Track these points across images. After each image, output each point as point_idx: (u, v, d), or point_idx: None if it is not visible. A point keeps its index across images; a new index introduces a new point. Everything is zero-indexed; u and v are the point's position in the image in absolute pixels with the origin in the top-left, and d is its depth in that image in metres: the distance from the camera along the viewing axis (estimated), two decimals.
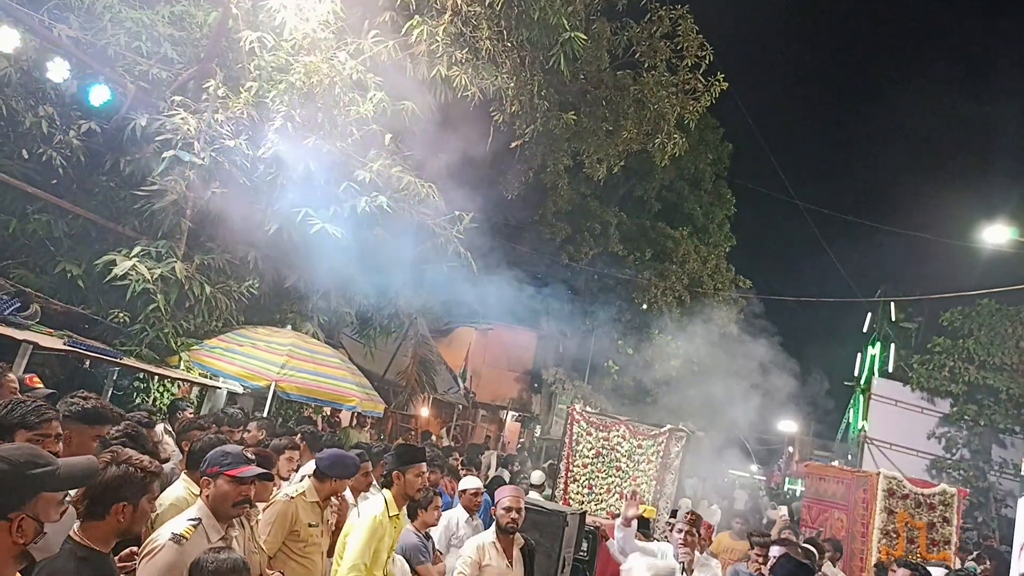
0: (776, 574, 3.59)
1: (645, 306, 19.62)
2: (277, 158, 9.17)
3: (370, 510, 4.09)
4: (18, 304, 7.04)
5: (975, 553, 10.52)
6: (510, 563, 4.80)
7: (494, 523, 4.94)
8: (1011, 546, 11.73)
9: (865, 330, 25.76)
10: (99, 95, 8.53)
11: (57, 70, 8.09)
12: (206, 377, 8.45)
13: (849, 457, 22.63)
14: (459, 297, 12.64)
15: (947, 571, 6.57)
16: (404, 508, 4.34)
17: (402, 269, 10.14)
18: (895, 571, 6.01)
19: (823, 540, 8.51)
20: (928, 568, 6.92)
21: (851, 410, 25.42)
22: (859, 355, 26.00)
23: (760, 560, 6.55)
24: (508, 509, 5.01)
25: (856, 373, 26.38)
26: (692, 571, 5.21)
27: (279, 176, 9.18)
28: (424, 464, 4.39)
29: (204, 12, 9.64)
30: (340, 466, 4.51)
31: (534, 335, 20.01)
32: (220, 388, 8.36)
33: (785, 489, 28.34)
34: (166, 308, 8.34)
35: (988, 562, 10.39)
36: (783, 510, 11.69)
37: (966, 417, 17.01)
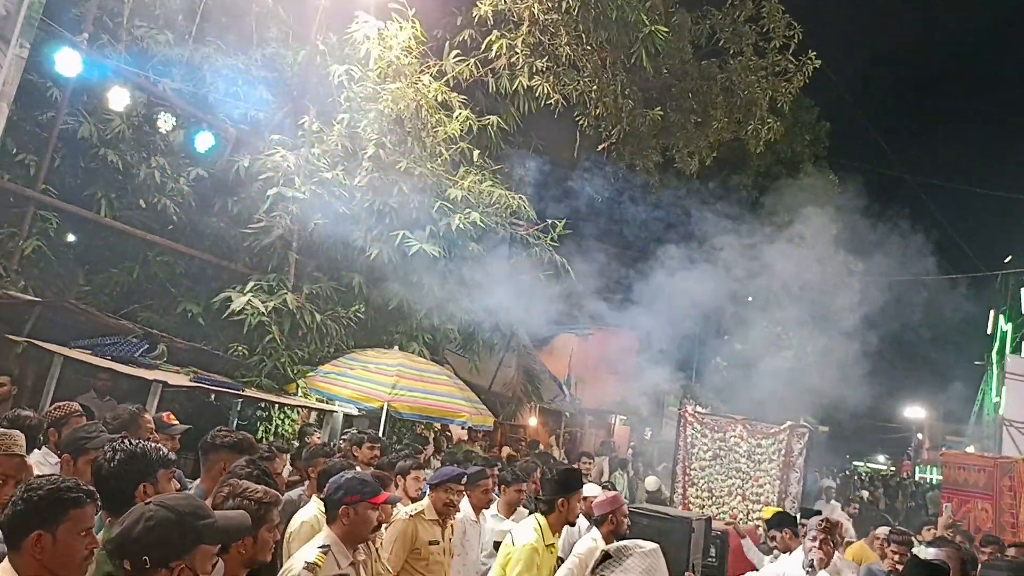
0: (920, 573, 3.32)
1: (750, 298, 18.99)
2: (372, 185, 9.43)
3: (524, 538, 4.03)
4: (146, 346, 7.48)
5: None
6: None
7: (595, 528, 4.88)
8: None
9: (994, 305, 24.10)
10: (204, 142, 9.01)
11: (164, 122, 8.60)
12: (322, 402, 8.73)
13: (985, 441, 21.17)
14: (557, 305, 12.61)
15: None
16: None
17: (500, 282, 10.21)
18: None
19: (980, 539, 7.90)
20: None
21: (984, 391, 23.80)
22: (990, 332, 24.35)
23: (897, 559, 6.15)
24: (626, 516, 5.01)
25: (987, 352, 24.71)
26: (821, 568, 4.95)
27: (375, 202, 9.43)
28: (582, 489, 4.36)
29: (293, 52, 10.04)
30: (440, 474, 4.71)
31: (635, 336, 19.67)
32: (336, 411, 8.62)
33: (917, 478, 26.79)
34: (281, 338, 8.69)
35: None
36: (836, 507, 11.03)
37: None
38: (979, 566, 6.16)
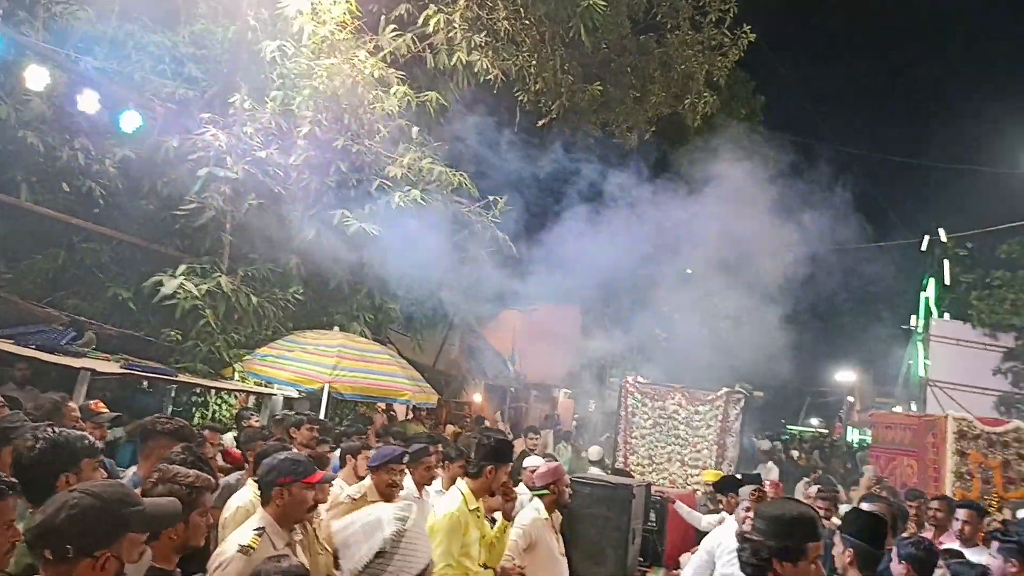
0: (850, 527, 3.46)
1: (689, 271, 19.36)
2: (308, 164, 9.27)
3: (445, 507, 4.09)
4: (73, 334, 7.25)
5: None
6: (558, 539, 4.90)
7: (536, 499, 4.97)
8: None
9: (920, 271, 25.08)
10: (130, 121, 8.69)
11: (88, 102, 8.26)
12: (261, 385, 8.62)
13: (912, 403, 22.13)
14: (500, 282, 12.66)
15: None
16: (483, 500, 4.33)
17: (442, 260, 10.18)
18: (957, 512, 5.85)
19: (904, 491, 8.28)
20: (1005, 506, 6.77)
21: (911, 354, 24.82)
22: (916, 297, 25.35)
23: (823, 513, 6.42)
24: (568, 486, 5.11)
25: (914, 316, 25.74)
26: None
27: (312, 181, 9.27)
28: (510, 464, 4.42)
29: (223, 28, 9.74)
30: (381, 455, 4.74)
31: (578, 312, 19.90)
32: (275, 394, 8.53)
33: (848, 439, 27.87)
34: (216, 322, 8.52)
35: None
36: (774, 469, 11.47)
37: None
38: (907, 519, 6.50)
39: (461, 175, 10.61)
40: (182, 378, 7.80)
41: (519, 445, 10.85)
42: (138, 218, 9.22)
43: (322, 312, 10.08)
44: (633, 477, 8.57)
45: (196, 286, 8.40)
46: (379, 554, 1.84)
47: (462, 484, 4.23)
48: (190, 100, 9.42)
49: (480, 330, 16.71)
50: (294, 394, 8.52)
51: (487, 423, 14.06)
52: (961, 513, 5.74)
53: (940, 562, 4.41)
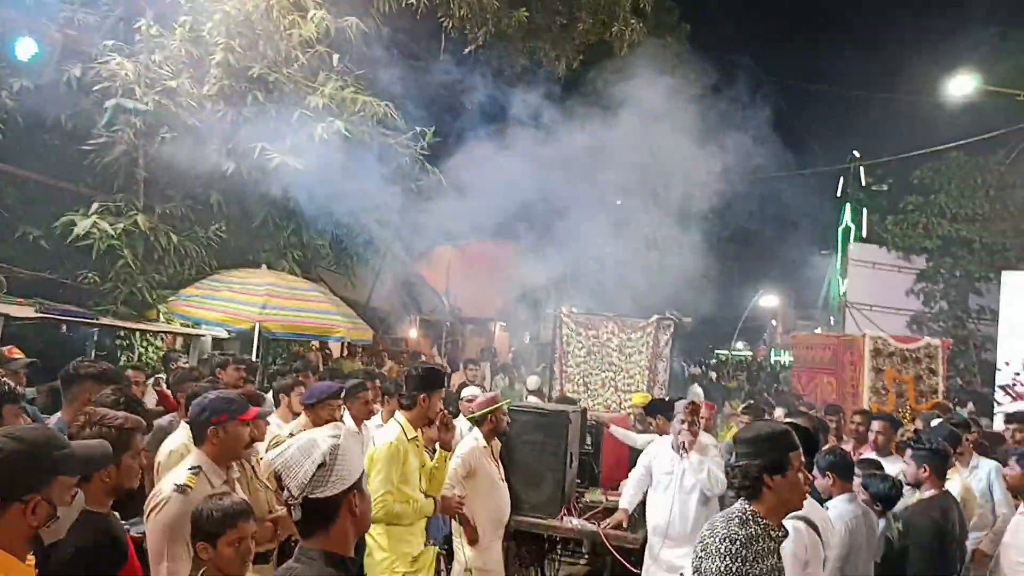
0: None
1: (619, 201, 19.52)
2: (224, 94, 8.80)
3: (383, 438, 4.10)
4: None
5: (963, 400, 10.97)
6: (497, 466, 5.01)
7: (474, 428, 5.05)
8: (993, 388, 12.24)
9: (838, 197, 25.93)
10: (25, 49, 8.06)
11: None
12: (188, 326, 8.36)
13: (831, 323, 23.17)
14: (431, 215, 12.48)
15: (940, 419, 6.79)
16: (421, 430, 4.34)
17: (371, 194, 9.93)
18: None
19: (823, 406, 8.73)
20: (919, 417, 7.20)
21: (830, 278, 25.86)
22: (834, 223, 26.27)
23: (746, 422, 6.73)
24: (505, 415, 5.19)
25: (833, 241, 26.71)
26: (691, 450, 5.33)
27: (229, 112, 8.83)
28: (443, 389, 4.43)
29: None
30: (315, 393, 4.73)
31: (512, 245, 19.88)
32: (204, 335, 8.29)
33: (772, 361, 29.12)
34: (135, 263, 8.17)
35: (972, 404, 10.83)
36: (700, 393, 12.00)
37: (942, 271, 17.32)
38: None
39: (387, 105, 10.28)
40: (103, 321, 7.50)
41: (458, 378, 10.93)
42: (43, 155, 8.65)
43: (248, 250, 9.76)
44: (578, 404, 8.77)
45: (111, 225, 7.99)
46: (320, 466, 1.94)
47: (399, 416, 4.23)
48: (91, 26, 8.77)
49: (414, 266, 16.56)
50: (223, 334, 8.29)
51: (424, 359, 14.08)
52: (876, 425, 6.07)
53: (857, 471, 4.69)
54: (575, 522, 5.89)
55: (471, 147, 12.27)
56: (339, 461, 1.98)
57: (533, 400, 9.61)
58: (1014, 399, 11.63)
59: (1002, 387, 12.13)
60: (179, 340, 8.80)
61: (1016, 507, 4.86)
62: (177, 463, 3.49)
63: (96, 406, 3.23)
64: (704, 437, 5.69)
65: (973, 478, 5.66)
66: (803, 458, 2.73)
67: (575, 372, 9.93)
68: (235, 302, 7.99)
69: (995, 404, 11.43)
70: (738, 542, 2.54)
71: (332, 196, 9.68)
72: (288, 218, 9.58)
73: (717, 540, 2.59)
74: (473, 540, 4.74)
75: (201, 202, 9.25)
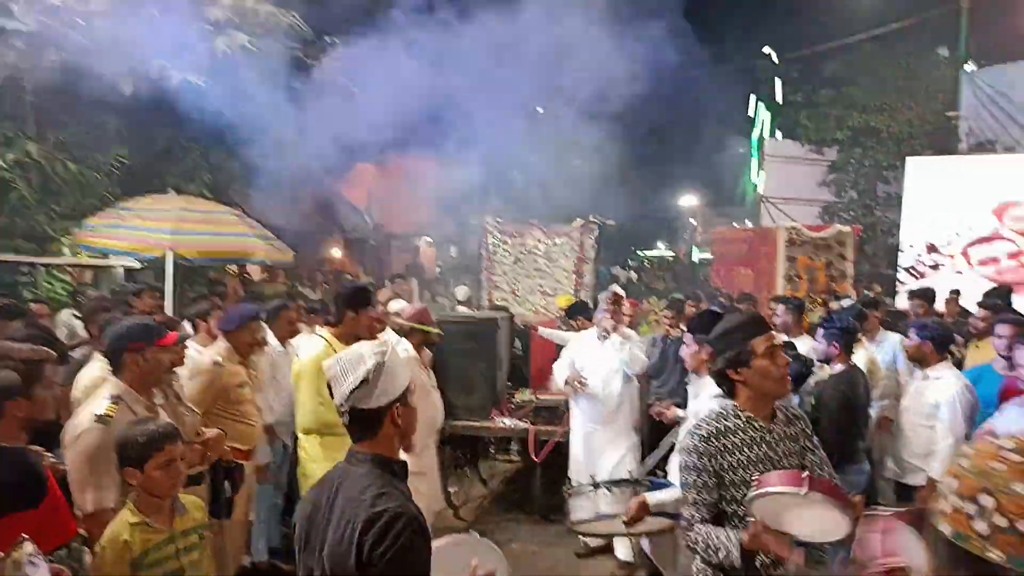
0: (699, 327, 3.75)
1: (540, 109, 19.29)
2: (114, 10, 8.14)
3: (308, 352, 4.07)
4: None
5: (869, 284, 11.57)
6: (429, 375, 5.08)
7: (404, 340, 5.06)
8: (896, 271, 12.95)
9: (752, 92, 26.21)
10: None
11: None
12: (96, 258, 7.99)
13: (747, 221, 23.82)
14: (349, 130, 12.06)
15: (852, 300, 7.18)
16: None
17: (282, 109, 9.50)
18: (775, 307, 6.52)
19: (737, 297, 9.08)
20: (833, 301, 7.58)
21: (746, 174, 26.41)
22: (749, 120, 26.64)
23: (669, 323, 6.97)
24: (434, 324, 5.22)
25: (748, 137, 27.15)
26: (613, 333, 5.51)
27: (120, 30, 8.19)
28: (371, 308, 4.39)
29: None
30: (234, 317, 4.56)
31: (433, 158, 19.56)
32: (114, 266, 7.94)
33: (694, 259, 29.93)
34: (31, 195, 7.68)
35: (878, 286, 11.46)
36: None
37: (852, 161, 17.89)
38: None
39: (292, 15, 9.73)
40: (2, 257, 7.08)
41: (385, 294, 10.86)
42: None
43: (154, 175, 9.27)
44: (509, 311, 8.88)
45: (1, 157, 7.45)
46: (363, 382, 2.07)
47: (322, 331, 4.21)
48: None
49: (333, 184, 16.10)
50: (134, 264, 7.95)
51: (349, 278, 13.91)
52: (779, 309, 6.36)
53: None
54: (507, 422, 6.07)
55: (385, 56, 11.80)
56: (382, 378, 2.09)
57: (462, 310, 9.67)
58: (917, 279, 12.36)
59: (906, 268, 12.86)
60: (88, 273, 8.40)
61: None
62: (95, 395, 3.40)
63: (8, 340, 3.10)
64: (626, 330, 5.89)
65: (880, 351, 6.04)
66: (774, 340, 2.60)
67: (503, 280, 10.01)
68: (144, 229, 7.62)
69: (898, 284, 12.13)
70: (699, 435, 2.53)
71: (239, 114, 9.21)
72: (194, 140, 9.11)
73: (689, 434, 2.60)
74: (408, 447, 4.81)
75: (99, 127, 8.69)
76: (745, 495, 2.39)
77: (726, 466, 2.49)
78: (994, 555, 0.98)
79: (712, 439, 2.52)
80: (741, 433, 2.52)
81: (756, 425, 2.54)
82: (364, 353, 2.11)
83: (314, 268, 14.71)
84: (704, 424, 2.57)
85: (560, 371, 5.76)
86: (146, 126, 8.89)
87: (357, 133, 12.72)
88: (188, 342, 4.37)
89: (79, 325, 5.11)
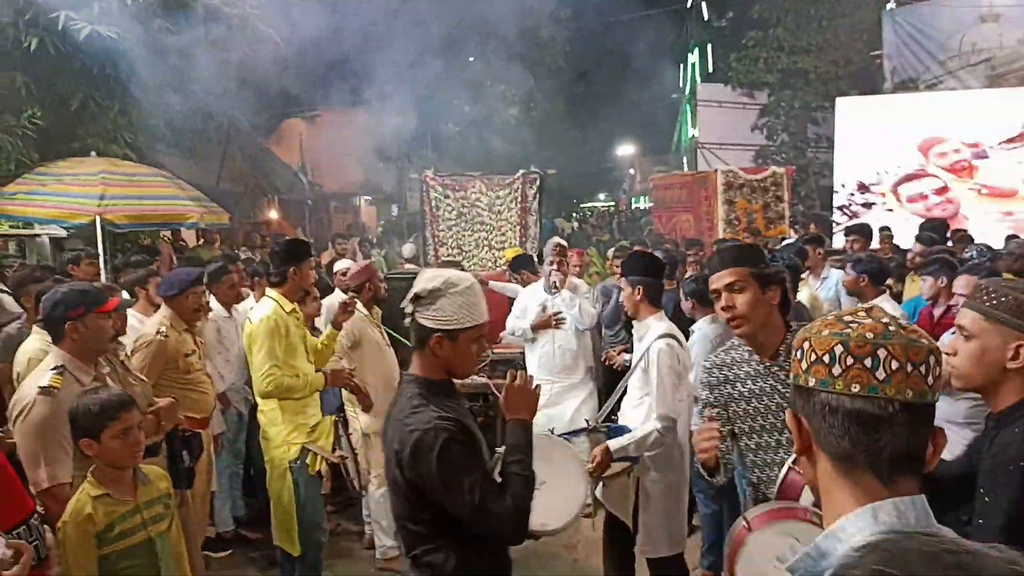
0: (633, 270, 3.75)
1: (472, 58, 18.95)
2: None
3: (259, 314, 3.94)
4: None
5: (805, 223, 11.85)
6: (381, 333, 5.00)
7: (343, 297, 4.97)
8: (831, 211, 13.31)
9: (685, 40, 26.32)
10: None
11: None
12: (17, 227, 7.53)
13: (684, 167, 24.12)
14: (275, 84, 11.61)
15: (791, 240, 7.33)
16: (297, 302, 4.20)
17: (203, 64, 9.02)
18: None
19: (684, 241, 9.17)
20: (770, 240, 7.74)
21: (681, 121, 26.65)
22: (683, 66, 26.78)
23: (619, 270, 7.04)
24: (382, 281, 5.14)
25: (681, 84, 27.33)
26: (561, 288, 5.52)
27: None
28: (311, 259, 4.25)
29: None
30: (175, 283, 4.36)
31: (367, 114, 19.11)
32: (40, 236, 7.51)
33: (632, 208, 30.24)
34: None
35: (813, 226, 11.76)
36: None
37: (782, 104, 18.17)
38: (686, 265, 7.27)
39: None
40: None
41: (328, 255, 10.64)
42: None
43: (71, 137, 8.72)
44: (462, 266, 8.78)
45: None
46: (430, 292, 2.16)
47: (271, 292, 4.07)
48: None
49: (262, 142, 15.58)
50: (61, 232, 7.54)
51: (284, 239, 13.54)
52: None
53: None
54: None
55: (308, 3, 11.34)
56: (443, 300, 2.14)
57: (410, 268, 9.54)
58: (850, 218, 12.74)
59: (839, 207, 13.22)
60: (11, 244, 7.93)
61: None
62: (35, 368, 3.22)
63: None
64: (574, 279, 5.89)
65: (823, 287, 6.21)
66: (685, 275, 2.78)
67: (448, 235, 9.88)
68: (68, 195, 7.19)
69: (833, 224, 12.47)
70: (705, 366, 2.76)
71: (159, 69, 8.72)
72: (111, 97, 8.59)
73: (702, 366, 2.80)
74: (367, 406, 4.76)
75: (5, 86, 8.10)
76: (750, 427, 2.59)
77: (735, 395, 2.62)
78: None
79: (715, 370, 2.69)
80: (745, 366, 2.63)
81: (756, 359, 2.61)
82: (449, 273, 2.18)
83: (251, 231, 14.28)
84: (712, 356, 2.75)
85: (513, 324, 5.74)
86: (57, 84, 8.34)
87: (284, 85, 12.27)
88: (128, 312, 4.18)
89: (7, 299, 4.81)
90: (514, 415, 2.23)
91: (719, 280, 2.58)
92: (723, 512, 4.57)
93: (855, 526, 1.07)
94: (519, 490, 2.11)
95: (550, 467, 2.49)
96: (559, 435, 4.08)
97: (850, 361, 1.10)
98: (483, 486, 2.05)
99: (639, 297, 3.66)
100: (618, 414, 4.12)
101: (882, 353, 1.09)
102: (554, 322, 5.51)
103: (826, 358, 1.12)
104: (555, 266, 5.54)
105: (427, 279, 2.18)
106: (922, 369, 1.08)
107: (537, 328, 5.53)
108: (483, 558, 2.19)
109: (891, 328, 1.12)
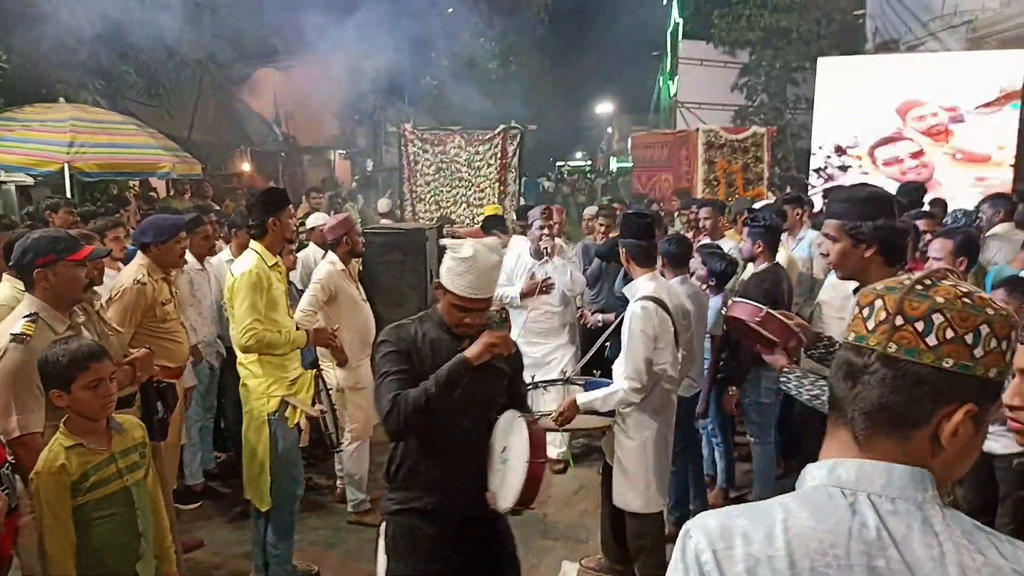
0: (623, 231, 3.77)
1: (451, 9, 18.56)
2: None
3: (241, 267, 3.87)
4: None
5: (782, 185, 11.87)
6: (358, 288, 4.97)
7: (330, 252, 4.92)
8: (807, 174, 13.35)
9: None
10: None
11: None
12: None
13: (663, 125, 23.99)
14: (247, 32, 11.30)
15: (771, 202, 7.34)
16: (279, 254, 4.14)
17: (173, 8, 8.75)
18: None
19: (667, 200, 9.18)
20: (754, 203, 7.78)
21: (661, 78, 26.43)
22: (664, 24, 26.45)
23: (603, 229, 7.05)
24: (360, 235, 5.08)
25: (663, 43, 27.03)
26: (554, 255, 5.52)
27: None
28: (290, 206, 4.18)
29: None
30: (157, 230, 4.27)
31: (342, 64, 18.71)
32: (6, 183, 7.32)
33: (610, 168, 30.14)
34: None
35: (790, 188, 11.80)
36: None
37: (763, 63, 18.06)
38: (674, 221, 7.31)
39: None
40: None
41: (303, 209, 10.49)
42: None
43: (39, 83, 8.46)
44: (456, 222, 8.75)
45: None
46: (447, 249, 2.56)
47: (254, 244, 4.00)
48: None
49: (235, 92, 15.21)
50: (28, 180, 7.35)
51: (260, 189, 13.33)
52: (702, 212, 6.59)
53: (696, 254, 5.07)
54: None
55: None
56: (452, 261, 2.47)
57: (385, 223, 9.45)
58: (826, 180, 12.79)
59: (815, 170, 13.26)
60: None
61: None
62: (6, 315, 3.15)
63: None
64: (561, 244, 5.90)
65: (798, 248, 6.25)
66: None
67: (425, 191, 9.80)
68: (36, 142, 6.98)
69: (809, 187, 12.52)
70: None
71: (129, 14, 8.45)
72: (80, 42, 8.32)
73: None
74: (342, 362, 4.74)
75: None
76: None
77: None
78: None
79: None
80: None
81: None
82: (463, 243, 2.52)
83: (223, 184, 14.04)
84: None
85: (499, 291, 5.71)
86: (24, 27, 8.04)
87: (258, 31, 11.94)
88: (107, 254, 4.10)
89: None
90: (467, 351, 2.45)
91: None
92: (687, 469, 4.68)
93: (812, 475, 1.06)
94: (404, 399, 2.42)
95: (511, 450, 2.52)
96: (538, 384, 4.13)
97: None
98: (382, 382, 2.51)
99: (625, 258, 3.70)
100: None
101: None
102: (543, 288, 5.53)
103: None
104: (545, 231, 5.54)
105: (459, 247, 2.51)
106: (918, 326, 1.02)
107: (526, 295, 5.54)
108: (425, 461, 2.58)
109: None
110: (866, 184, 3.35)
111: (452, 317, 2.56)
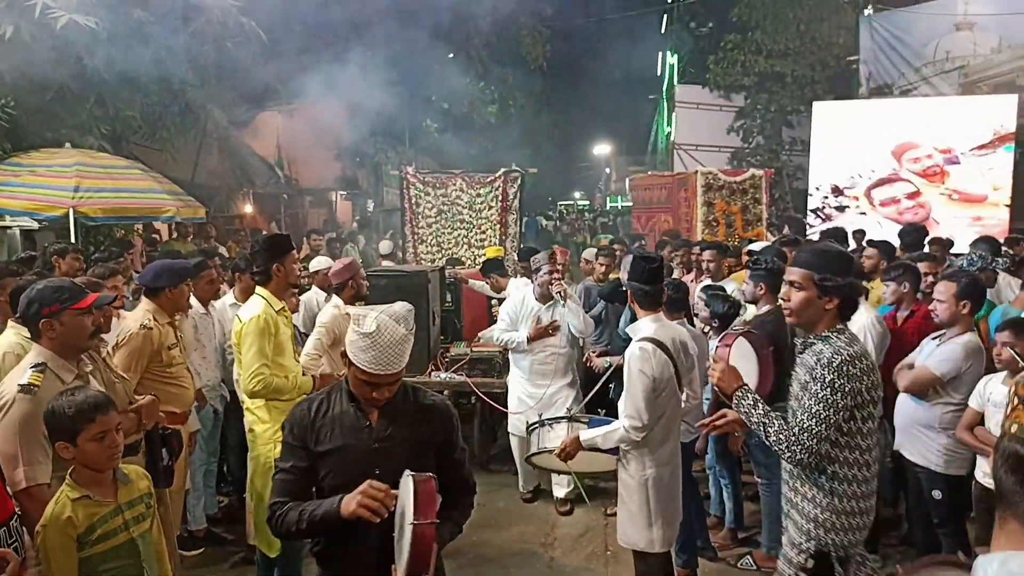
0: (631, 275, 3.79)
1: (451, 55, 18.87)
2: None
3: (249, 312, 3.88)
4: None
5: (780, 226, 11.96)
6: None
7: (334, 297, 4.95)
8: (804, 214, 13.47)
9: (664, 42, 26.42)
10: None
11: None
12: None
13: (660, 167, 24.24)
14: (253, 77, 11.46)
15: (769, 243, 7.38)
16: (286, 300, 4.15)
17: (180, 55, 8.90)
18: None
19: (668, 236, 9.21)
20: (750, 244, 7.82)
21: (658, 122, 26.77)
22: (662, 68, 26.88)
23: (604, 269, 7.10)
24: (364, 278, 5.10)
25: (659, 87, 27.43)
26: (567, 299, 5.57)
27: None
28: (294, 251, 4.20)
29: None
30: (167, 275, 4.25)
31: (344, 108, 18.93)
32: (11, 228, 7.35)
33: (608, 207, 30.35)
34: None
35: (788, 228, 11.89)
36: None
37: (759, 106, 18.31)
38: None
39: None
40: None
41: (302, 252, 10.54)
42: None
43: (45, 128, 8.55)
44: (464, 263, 8.80)
45: None
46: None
47: (260, 291, 4.01)
48: None
49: (239, 135, 15.38)
50: (33, 225, 7.39)
51: (264, 234, 13.40)
52: (705, 254, 6.62)
53: (701, 295, 5.10)
54: (443, 376, 6.03)
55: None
56: (355, 335, 2.29)
57: (387, 264, 9.49)
58: (824, 220, 12.91)
59: (813, 210, 13.40)
60: None
61: None
62: (15, 365, 3.14)
63: None
64: (567, 290, 5.94)
65: None
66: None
67: (427, 232, 9.84)
68: (41, 187, 7.05)
69: (807, 227, 12.63)
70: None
71: (137, 60, 8.59)
72: (88, 87, 8.42)
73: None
74: None
75: None
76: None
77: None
78: None
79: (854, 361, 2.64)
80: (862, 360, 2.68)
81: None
82: (369, 312, 2.33)
83: (225, 226, 14.11)
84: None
85: (505, 336, 5.72)
86: (33, 73, 8.16)
87: (262, 77, 12.10)
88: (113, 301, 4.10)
89: None
90: (342, 503, 2.25)
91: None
92: (690, 514, 4.64)
93: (983, 570, 1.02)
94: (282, 516, 2.34)
95: (404, 515, 2.23)
96: (545, 421, 4.11)
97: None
98: (274, 476, 2.44)
99: (631, 300, 3.75)
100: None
101: None
102: (551, 331, 5.55)
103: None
104: (556, 275, 5.59)
105: (354, 312, 2.38)
106: None
107: (534, 339, 5.56)
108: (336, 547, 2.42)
109: None
110: (832, 244, 3.52)
111: (360, 390, 2.37)
